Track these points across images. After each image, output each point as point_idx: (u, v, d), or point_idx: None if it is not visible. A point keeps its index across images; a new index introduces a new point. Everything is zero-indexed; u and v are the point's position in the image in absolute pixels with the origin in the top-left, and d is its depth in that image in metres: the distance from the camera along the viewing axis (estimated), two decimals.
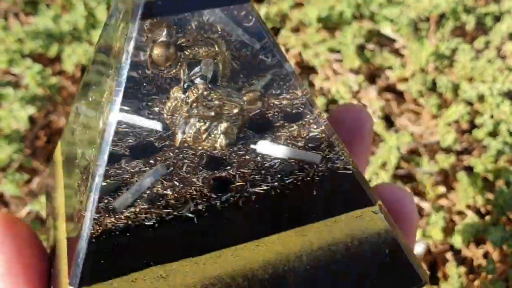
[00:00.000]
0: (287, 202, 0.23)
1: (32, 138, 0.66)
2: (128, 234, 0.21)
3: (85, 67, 0.68)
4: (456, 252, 0.65)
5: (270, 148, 0.23)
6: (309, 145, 0.23)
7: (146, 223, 0.21)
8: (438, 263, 0.65)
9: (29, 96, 0.61)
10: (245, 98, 0.22)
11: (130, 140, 0.22)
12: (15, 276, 0.22)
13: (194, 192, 0.22)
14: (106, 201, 0.22)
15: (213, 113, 0.22)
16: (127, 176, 0.22)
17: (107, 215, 0.21)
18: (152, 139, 0.22)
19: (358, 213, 0.24)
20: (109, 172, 0.22)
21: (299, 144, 0.23)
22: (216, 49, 0.22)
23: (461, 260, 0.64)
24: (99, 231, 0.21)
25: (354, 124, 0.29)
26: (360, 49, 0.68)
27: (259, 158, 0.23)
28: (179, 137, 0.22)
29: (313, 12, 0.64)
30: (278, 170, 0.23)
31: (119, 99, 0.21)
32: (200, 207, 0.22)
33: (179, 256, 0.22)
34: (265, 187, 0.23)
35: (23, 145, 0.62)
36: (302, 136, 0.23)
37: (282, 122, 0.23)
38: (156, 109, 0.22)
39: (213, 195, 0.22)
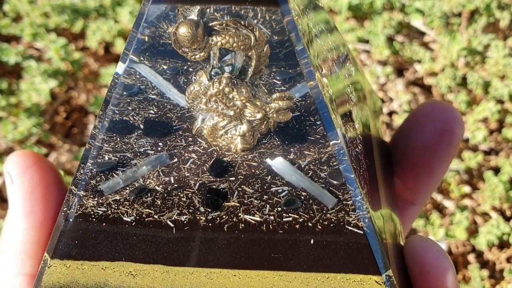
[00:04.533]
0: (278, 242, 0.20)
1: (51, 113, 0.65)
2: (104, 224, 0.21)
3: (108, 44, 0.67)
4: (478, 255, 0.63)
5: (286, 169, 0.20)
6: (332, 180, 0.20)
7: (124, 219, 0.21)
8: (458, 265, 0.63)
9: (51, 69, 0.60)
10: (274, 105, 0.19)
11: (151, 111, 0.20)
12: (33, 202, 0.24)
13: (184, 199, 0.20)
14: (98, 179, 0.20)
15: (232, 113, 0.19)
16: (130, 156, 0.20)
17: (91, 196, 0.20)
18: (173, 115, 0.20)
19: (358, 278, 0.20)
20: (115, 146, 0.20)
21: (322, 174, 0.20)
22: (252, 41, 0.18)
23: (482, 263, 0.62)
24: (79, 212, 0.21)
25: (444, 125, 0.26)
26: (389, 40, 0.67)
27: (269, 178, 0.20)
28: (197, 123, 0.20)
29: None
30: (281, 201, 0.20)
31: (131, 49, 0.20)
32: (183, 218, 0.20)
33: (152, 260, 0.21)
34: (258, 218, 0.20)
35: (43, 119, 0.61)
36: (331, 165, 0.20)
37: (317, 137, 0.20)
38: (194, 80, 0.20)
39: (201, 209, 0.20)
